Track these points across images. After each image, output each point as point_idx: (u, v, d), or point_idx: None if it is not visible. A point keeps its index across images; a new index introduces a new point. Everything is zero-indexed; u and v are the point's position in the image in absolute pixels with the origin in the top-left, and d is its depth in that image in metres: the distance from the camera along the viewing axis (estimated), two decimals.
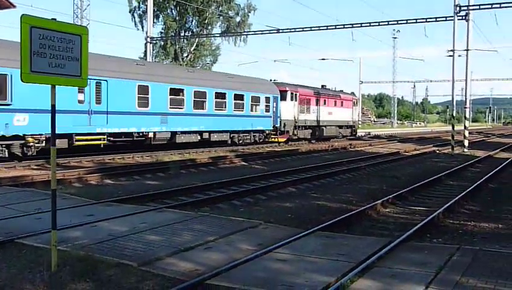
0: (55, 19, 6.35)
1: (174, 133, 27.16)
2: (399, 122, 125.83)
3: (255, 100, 33.77)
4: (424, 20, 34.81)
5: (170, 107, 26.87)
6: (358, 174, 19.98)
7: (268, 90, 35.84)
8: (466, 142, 33.89)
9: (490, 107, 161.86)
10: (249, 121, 33.03)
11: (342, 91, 49.28)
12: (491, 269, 6.72)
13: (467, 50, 33.62)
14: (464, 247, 8.02)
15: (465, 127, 34.66)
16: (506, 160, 25.81)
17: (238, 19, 57.72)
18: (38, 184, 14.77)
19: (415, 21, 35.21)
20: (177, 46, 56.63)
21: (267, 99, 35.10)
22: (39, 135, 20.48)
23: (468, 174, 20.76)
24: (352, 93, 53.07)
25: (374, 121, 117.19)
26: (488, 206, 13.34)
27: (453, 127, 34.06)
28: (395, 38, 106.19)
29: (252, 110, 33.52)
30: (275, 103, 35.77)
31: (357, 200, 13.74)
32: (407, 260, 7.18)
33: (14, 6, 21.65)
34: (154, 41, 47.03)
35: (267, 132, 35.61)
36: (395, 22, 36.73)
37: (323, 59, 62.89)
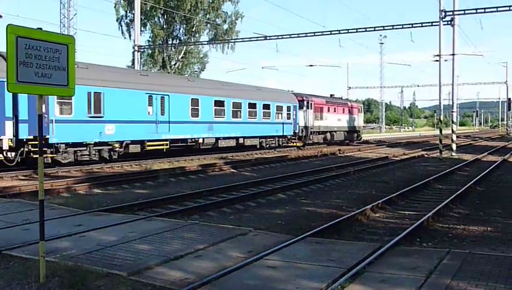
0: (41, 29, 6.32)
1: (217, 139, 31.44)
2: (387, 127, 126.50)
3: (279, 109, 38.08)
4: (410, 26, 35.07)
5: (215, 117, 31.09)
6: (347, 179, 20.02)
7: (289, 100, 40.10)
8: (454, 146, 34.10)
9: (477, 111, 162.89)
10: (274, 127, 37.35)
11: (347, 99, 55.15)
12: (480, 272, 6.75)
13: (453, 55, 33.89)
14: (453, 250, 8.06)
15: (452, 131, 34.89)
16: (493, 163, 25.99)
17: (225, 26, 57.85)
18: (26, 195, 14.66)
19: (401, 27, 35.42)
20: (165, 54, 56.58)
21: (288, 108, 39.32)
22: (122, 141, 24.68)
23: (456, 177, 20.87)
24: (346, 100, 57.20)
25: (363, 127, 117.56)
26: (476, 209, 13.41)
27: (440, 131, 34.25)
28: (382, 43, 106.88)
29: (276, 118, 37.75)
30: (294, 111, 39.98)
31: (347, 205, 13.76)
32: (397, 264, 7.19)
33: (0, 16, 21.56)
34: (141, 50, 46.97)
35: (288, 136, 39.67)
36: (382, 28, 36.92)
37: (311, 65, 63.10)
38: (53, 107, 21.32)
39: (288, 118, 39.35)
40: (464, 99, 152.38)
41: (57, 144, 21.77)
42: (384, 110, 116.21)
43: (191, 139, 29.34)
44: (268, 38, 38.94)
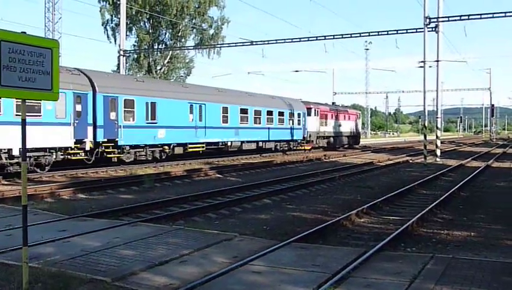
0: (24, 32, 6.27)
1: (242, 142, 35.61)
2: (372, 132, 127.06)
3: (291, 116, 42.24)
4: (395, 32, 35.29)
5: (240, 123, 35.32)
6: (333, 184, 20.08)
7: (299, 107, 44.24)
8: (438, 152, 34.35)
9: (461, 117, 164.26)
10: (287, 132, 41.70)
11: (348, 107, 62.36)
12: (464, 277, 6.81)
13: (437, 61, 34.17)
14: (437, 255, 8.12)
15: (437, 136, 35.19)
16: (477, 169, 26.23)
17: (211, 31, 57.81)
18: (9, 200, 14.51)
19: (386, 33, 35.65)
20: (151, 59, 56.43)
21: (299, 115, 43.50)
22: (170, 144, 28.77)
23: (440, 183, 21.03)
24: (346, 107, 63.91)
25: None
26: (460, 214, 13.52)
27: (425, 137, 34.51)
28: (367, 49, 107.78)
29: (289, 124, 42.01)
30: (303, 118, 44.19)
31: (332, 210, 13.80)
32: (382, 269, 7.23)
33: None
34: (127, 54, 46.82)
35: (298, 141, 43.65)
36: (367, 34, 37.16)
37: (296, 71, 63.47)
38: (121, 115, 25.05)
39: (299, 124, 43.50)
40: (448, 105, 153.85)
41: (123, 145, 25.53)
42: (369, 115, 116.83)
43: (222, 142, 33.56)
44: (254, 43, 39.02)
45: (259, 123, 37.77)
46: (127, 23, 46.09)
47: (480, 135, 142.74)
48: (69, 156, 22.89)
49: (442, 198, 15.15)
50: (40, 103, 20.74)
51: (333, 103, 57.30)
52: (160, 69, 57.15)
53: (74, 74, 23.27)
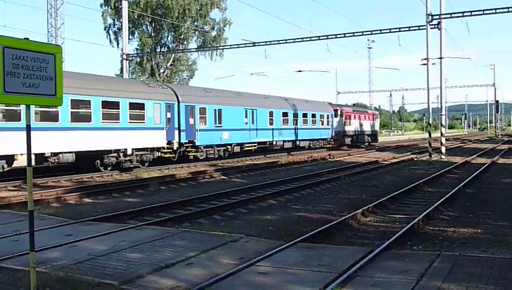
0: (27, 39, 6.30)
1: (284, 141, 40.91)
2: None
3: (321, 117, 47.71)
4: (398, 30, 35.23)
5: (282, 125, 40.64)
6: (338, 184, 20.06)
7: (327, 109, 49.65)
8: (443, 149, 34.29)
9: (466, 114, 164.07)
10: (318, 132, 46.94)
11: (367, 107, 71.01)
12: (471, 274, 6.79)
13: (441, 58, 34.10)
14: (444, 253, 8.10)
15: (441, 134, 35.11)
16: (482, 165, 26.16)
17: (213, 33, 57.87)
18: (16, 205, 14.57)
19: (388, 31, 35.59)
20: (154, 62, 56.53)
21: (328, 116, 48.94)
22: (231, 143, 34.01)
23: (446, 180, 20.98)
24: (366, 107, 72.07)
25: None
26: (466, 211, 13.48)
27: (429, 135, 34.45)
28: (370, 48, 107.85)
29: (320, 125, 47.42)
30: (331, 119, 49.46)
31: (338, 210, 13.79)
32: (388, 268, 7.22)
33: None
34: (130, 58, 46.89)
35: (327, 139, 49.04)
36: (369, 32, 37.09)
37: (299, 71, 63.61)
38: (197, 120, 30.33)
39: (328, 124, 48.93)
40: (452, 102, 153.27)
41: (199, 145, 30.69)
42: None
43: (269, 141, 38.91)
44: (256, 44, 39.04)
45: (297, 124, 43.15)
46: (129, 27, 46.18)
47: (485, 131, 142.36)
48: (162, 154, 28.22)
49: (447, 195, 15.12)
50: (143, 112, 26.16)
51: (354, 104, 65.24)
52: (163, 72, 57.25)
53: (164, 88, 29.29)
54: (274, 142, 39.54)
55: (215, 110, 32.14)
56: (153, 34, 56.38)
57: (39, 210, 13.50)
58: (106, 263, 7.62)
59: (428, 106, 36.00)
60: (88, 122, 23.16)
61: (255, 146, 36.92)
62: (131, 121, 25.40)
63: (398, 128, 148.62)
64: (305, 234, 9.87)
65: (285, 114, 41.25)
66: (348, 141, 52.34)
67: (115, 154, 24.92)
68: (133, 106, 25.57)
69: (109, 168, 24.90)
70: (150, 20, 54.91)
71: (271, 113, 39.10)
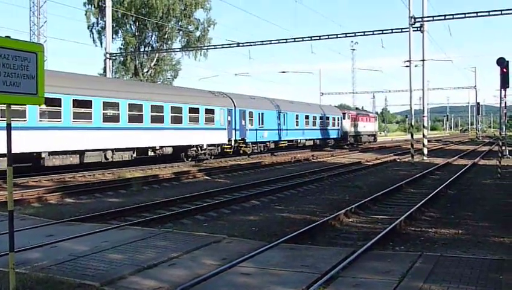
0: (9, 37, 6.22)
1: (306, 140, 47.86)
2: None
3: (334, 119, 54.68)
4: (381, 32, 35.45)
5: (305, 126, 47.39)
6: (321, 185, 20.12)
7: (337, 112, 56.82)
8: (425, 150, 34.56)
9: (447, 115, 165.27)
10: (330, 132, 53.74)
11: (368, 111, 76.55)
12: (452, 275, 6.85)
13: (423, 60, 34.38)
14: (425, 254, 8.17)
15: (423, 135, 35.42)
16: (464, 167, 26.43)
17: (198, 33, 57.72)
18: None
19: (371, 33, 35.80)
20: (137, 62, 56.23)
21: (338, 119, 55.82)
22: (269, 141, 40.53)
23: (428, 181, 21.15)
24: (366, 111, 77.20)
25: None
26: (447, 212, 13.60)
27: (412, 136, 34.71)
28: (354, 50, 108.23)
29: (332, 126, 54.28)
30: (340, 121, 56.24)
31: (321, 211, 13.82)
32: (370, 268, 7.25)
33: None
34: (113, 57, 46.62)
35: (337, 138, 55.88)
36: (353, 34, 37.27)
37: (283, 72, 63.45)
38: (247, 122, 37.03)
39: (338, 125, 55.84)
40: (434, 104, 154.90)
41: (248, 142, 37.29)
42: None
43: (295, 140, 45.55)
44: (240, 45, 39.04)
45: (316, 126, 49.96)
46: (112, 26, 45.83)
47: (467, 133, 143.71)
48: (225, 149, 34.83)
49: (429, 196, 15.24)
50: (213, 115, 33.11)
51: (357, 108, 71.85)
52: (147, 72, 56.97)
53: (225, 97, 35.67)
54: (299, 141, 46.55)
55: (258, 113, 38.94)
56: (136, 34, 56.08)
57: (20, 210, 13.35)
58: (88, 263, 7.56)
59: (411, 107, 36.29)
60: (180, 123, 29.98)
61: (285, 144, 43.59)
62: (206, 123, 32.44)
63: (381, 129, 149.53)
64: (288, 235, 9.88)
65: (307, 117, 48.00)
66: (352, 140, 59.43)
67: (195, 148, 31.94)
68: (207, 111, 32.63)
69: (189, 159, 31.71)
70: (133, 19, 54.61)
71: (297, 116, 45.87)
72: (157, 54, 56.43)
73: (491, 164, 29.39)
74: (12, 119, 17.78)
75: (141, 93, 27.74)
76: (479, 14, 31.60)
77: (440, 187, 17.44)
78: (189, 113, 30.76)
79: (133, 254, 8.14)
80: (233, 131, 35.39)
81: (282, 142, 42.82)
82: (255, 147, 38.76)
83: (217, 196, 16.55)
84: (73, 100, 22.87)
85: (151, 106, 27.71)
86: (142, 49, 56.44)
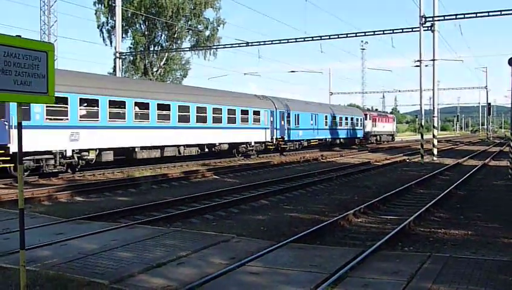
0: (20, 36, 6.26)
1: (333, 139, 52.85)
2: None
3: (356, 120, 59.64)
4: (391, 32, 35.35)
5: (333, 126, 52.40)
6: (330, 185, 20.10)
7: (360, 114, 62.19)
8: (435, 151, 34.41)
9: (458, 116, 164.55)
10: (355, 132, 59.33)
11: (387, 112, 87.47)
12: (461, 276, 6.82)
13: (433, 60, 34.24)
14: (434, 254, 8.14)
15: (433, 135, 35.23)
16: (474, 167, 26.28)
17: (207, 32, 57.72)
18: (6, 203, 14.47)
19: (382, 32, 35.71)
20: (147, 61, 56.37)
21: (360, 120, 61.10)
22: (303, 139, 45.46)
23: (437, 182, 21.06)
24: (386, 112, 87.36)
25: None
26: (457, 213, 13.54)
27: (422, 136, 34.56)
28: (364, 49, 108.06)
29: (357, 126, 59.66)
30: (362, 122, 61.47)
31: (329, 211, 13.81)
32: (379, 269, 7.24)
33: None
34: (123, 57, 46.77)
35: (360, 138, 61.10)
36: (363, 34, 37.20)
37: (292, 71, 63.52)
38: (286, 122, 41.75)
39: (361, 126, 61.06)
40: (444, 104, 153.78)
41: (287, 140, 42.04)
42: None
43: (325, 139, 50.47)
44: (250, 44, 39.06)
45: (342, 126, 55.20)
46: (122, 25, 46.02)
47: (477, 133, 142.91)
48: (268, 146, 39.54)
49: (439, 197, 15.18)
50: (259, 116, 37.99)
51: (376, 110, 77.94)
52: (157, 71, 57.09)
53: (268, 100, 40.56)
54: (328, 139, 51.44)
55: (295, 114, 43.72)
56: (146, 33, 56.19)
57: (30, 208, 13.45)
58: (97, 261, 7.60)
59: (421, 107, 36.14)
60: (234, 123, 34.67)
61: (316, 142, 48.41)
62: (253, 123, 37.26)
63: None
64: (297, 235, 9.88)
65: (333, 117, 52.88)
66: (373, 140, 64.97)
67: (244, 145, 36.28)
68: (254, 112, 37.42)
69: (240, 155, 35.89)
70: (143, 18, 54.73)
71: (326, 117, 50.92)
72: (166, 54, 56.51)
73: (502, 165, 29.22)
74: (115, 119, 22.41)
75: (206, 97, 32.63)
76: (490, 13, 31.41)
77: (450, 188, 17.36)
78: (241, 114, 35.71)
79: (142, 252, 8.18)
80: (275, 130, 40.17)
81: (313, 140, 47.80)
82: (291, 145, 43.61)
83: (225, 196, 16.58)
84: (158, 104, 27.66)
85: (213, 108, 32.45)
86: (151, 49, 56.55)
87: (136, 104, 26.28)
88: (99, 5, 54.82)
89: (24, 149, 17.84)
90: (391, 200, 15.42)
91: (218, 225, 11.78)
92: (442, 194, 15.73)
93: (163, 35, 57.44)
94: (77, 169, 23.46)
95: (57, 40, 44.53)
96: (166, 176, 22.71)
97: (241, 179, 22.50)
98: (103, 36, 56.03)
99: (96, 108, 23.75)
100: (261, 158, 36.20)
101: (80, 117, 22.94)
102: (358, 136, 60.07)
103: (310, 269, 7.20)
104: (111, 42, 54.68)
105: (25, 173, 20.43)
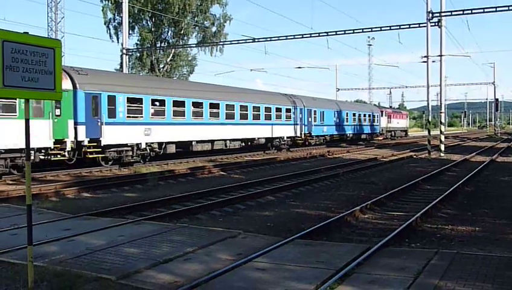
0: (27, 33, 6.29)
1: (354, 134, 56.96)
2: None
3: (373, 116, 64.10)
4: (398, 27, 35.21)
5: (353, 122, 56.44)
6: (336, 181, 20.07)
7: (376, 111, 67.08)
8: (442, 147, 34.30)
9: (465, 112, 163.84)
10: (373, 128, 63.99)
11: (400, 109, 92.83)
12: (468, 272, 6.81)
13: (441, 56, 34.10)
14: (441, 251, 8.12)
15: (441, 131, 35.11)
16: (481, 163, 26.17)
17: (214, 29, 57.65)
18: (14, 199, 14.57)
19: (389, 28, 35.57)
20: (153, 57, 56.38)
21: (377, 116, 65.59)
22: (327, 135, 49.35)
23: (444, 178, 20.99)
24: (400, 109, 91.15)
25: None
26: (464, 209, 13.50)
27: (429, 132, 34.45)
28: (370, 45, 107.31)
29: (372, 122, 63.62)
30: (379, 118, 65.91)
31: (336, 207, 13.80)
32: (386, 265, 7.23)
33: None
34: (130, 53, 46.79)
35: (377, 133, 65.49)
36: (369, 30, 37.07)
37: (299, 67, 63.53)
38: (312, 118, 45.66)
39: (377, 122, 65.32)
40: (452, 100, 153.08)
41: (312, 135, 45.93)
42: None
43: (347, 134, 54.97)
44: (256, 40, 38.98)
45: (365, 122, 59.99)
46: (129, 21, 46.03)
47: (485, 129, 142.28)
48: (296, 140, 43.65)
49: (446, 193, 15.12)
50: (290, 113, 41.87)
51: (391, 107, 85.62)
52: (163, 68, 57.13)
53: (297, 98, 44.18)
54: (350, 135, 55.56)
55: (321, 111, 47.63)
56: (153, 29, 56.20)
57: (38, 204, 13.51)
58: (104, 257, 7.64)
59: (428, 103, 36.00)
60: (269, 120, 38.73)
61: (338, 137, 52.33)
62: (286, 119, 41.31)
63: None
64: (303, 231, 9.89)
65: (354, 114, 56.79)
66: (388, 135, 69.36)
67: (278, 139, 40.39)
68: (287, 110, 41.50)
69: (273, 148, 39.77)
70: (150, 15, 54.71)
71: (347, 114, 54.79)
72: (173, 50, 56.51)
73: (510, 161, 29.12)
74: (177, 117, 26.79)
75: (247, 96, 37.04)
76: (498, 9, 31.23)
77: (457, 184, 17.30)
78: (275, 112, 39.65)
79: (148, 248, 8.20)
80: (303, 126, 44.03)
81: (336, 136, 51.69)
82: (317, 140, 47.41)
83: (232, 192, 16.59)
84: (210, 103, 31.79)
85: (253, 106, 36.70)
86: (158, 45, 56.55)
87: (193, 103, 30.37)
88: (106, 2, 54.80)
89: (110, 142, 23.76)
90: (398, 197, 15.38)
91: (225, 221, 11.80)
92: (449, 191, 15.67)
93: (169, 32, 57.43)
94: (147, 160, 27.24)
95: (64, 36, 44.70)
96: (173, 172, 22.75)
97: (247, 175, 22.51)
98: (110, 32, 56.06)
99: (163, 107, 27.99)
100: (268, 154, 36.19)
101: (151, 115, 27.03)
102: (376, 131, 64.70)
103: (317, 265, 7.20)
104: (118, 38, 54.74)
105: (109, 163, 24.87)
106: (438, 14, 32.60)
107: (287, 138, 41.62)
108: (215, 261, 7.42)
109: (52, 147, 21.38)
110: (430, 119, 36.88)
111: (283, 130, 40.83)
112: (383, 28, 35.86)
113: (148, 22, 56.70)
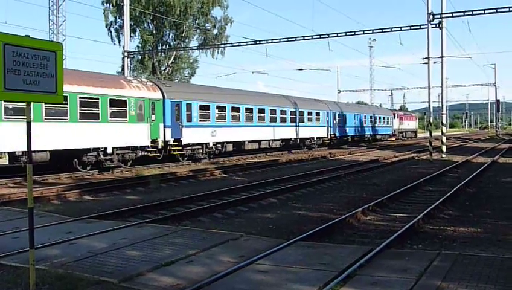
0: (28, 36, 6.29)
1: (370, 135, 62.03)
2: None
3: (386, 118, 69.10)
4: (399, 29, 35.17)
5: (371, 124, 62.20)
6: (338, 182, 20.05)
7: (389, 113, 72.49)
8: (444, 148, 34.27)
9: (466, 113, 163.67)
10: (386, 130, 69.05)
11: (410, 112, 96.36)
12: (471, 273, 6.79)
13: (442, 57, 34.08)
14: (444, 252, 8.10)
15: (442, 133, 35.09)
16: (483, 164, 26.14)
17: (215, 31, 57.80)
18: (16, 202, 14.55)
19: (389, 30, 35.53)
20: (155, 60, 56.47)
21: (390, 118, 70.68)
22: (349, 135, 54.45)
23: (446, 179, 20.96)
24: (410, 112, 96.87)
25: None
26: (466, 210, 13.48)
27: (430, 134, 34.44)
28: (371, 47, 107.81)
29: (386, 124, 68.85)
30: (392, 120, 71.08)
31: (338, 208, 13.79)
32: (388, 267, 7.22)
33: None
34: (131, 56, 46.89)
35: (390, 134, 70.59)
36: (370, 31, 37.03)
37: (300, 69, 63.43)
38: (337, 121, 50.46)
39: (390, 124, 70.64)
40: (453, 101, 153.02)
41: (337, 136, 50.61)
42: None
43: (370, 135, 61.16)
44: (258, 42, 38.96)
45: (377, 124, 64.43)
46: (130, 24, 46.15)
47: (486, 130, 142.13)
48: (324, 141, 48.02)
49: (448, 194, 15.10)
50: (320, 116, 46.99)
51: (400, 109, 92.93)
52: (165, 70, 57.20)
53: (323, 103, 49.46)
54: (367, 136, 60.62)
55: (344, 115, 52.73)
56: (154, 32, 56.32)
57: (39, 207, 13.51)
58: (106, 260, 7.63)
59: (429, 104, 36.02)
60: (303, 122, 44.04)
61: (358, 138, 57.40)
62: (316, 122, 46.57)
63: None
64: (306, 233, 9.87)
65: (371, 117, 62.22)
66: (399, 136, 74.19)
67: (309, 140, 45.36)
68: (317, 114, 46.62)
69: (305, 148, 44.80)
70: (151, 17, 54.86)
71: (365, 117, 60.14)
72: (174, 52, 56.61)
73: (511, 162, 29.06)
74: (234, 120, 31.40)
75: (285, 101, 42.46)
76: (498, 10, 31.20)
77: (459, 185, 17.28)
78: (307, 115, 44.84)
79: (150, 251, 8.20)
80: (330, 128, 48.96)
81: (356, 136, 56.83)
82: (341, 140, 52.30)
83: (234, 194, 16.58)
84: (258, 108, 36.83)
85: (290, 111, 41.85)
86: (159, 48, 56.66)
87: (246, 109, 35.48)
88: (108, 5, 54.99)
89: (188, 142, 29.90)
90: (400, 198, 15.36)
91: (227, 224, 11.80)
92: (451, 192, 15.65)
93: (171, 34, 57.59)
94: (212, 157, 31.87)
95: (66, 39, 44.78)
96: (175, 174, 22.76)
97: (249, 177, 22.49)
98: (111, 35, 56.25)
99: (224, 112, 33.06)
100: (270, 156, 36.19)
101: (216, 119, 32.00)
102: (389, 133, 70.08)
103: (319, 267, 7.19)
104: (119, 41, 54.95)
105: (185, 159, 29.62)
106: (438, 16, 32.59)
107: (317, 138, 46.79)
108: (217, 264, 7.41)
109: (149, 145, 26.58)
110: (431, 121, 36.87)
111: (314, 132, 46.27)
112: (384, 30, 35.83)
113: (150, 25, 56.84)
